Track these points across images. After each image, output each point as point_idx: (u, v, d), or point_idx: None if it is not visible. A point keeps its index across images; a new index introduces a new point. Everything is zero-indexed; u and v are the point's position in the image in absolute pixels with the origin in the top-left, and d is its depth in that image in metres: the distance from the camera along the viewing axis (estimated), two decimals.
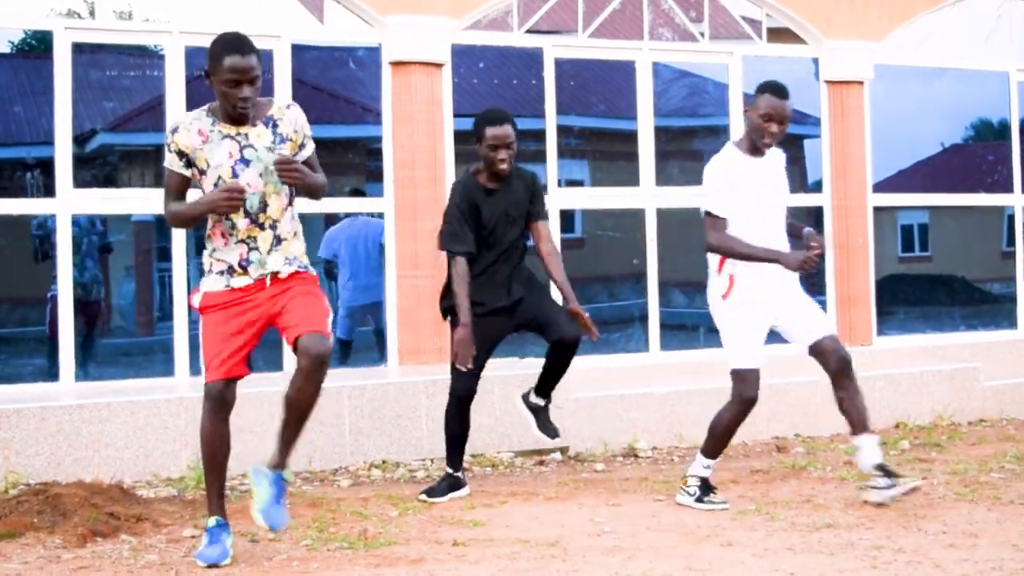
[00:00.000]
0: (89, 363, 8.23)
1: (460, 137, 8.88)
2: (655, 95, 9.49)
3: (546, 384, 6.62)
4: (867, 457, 6.00)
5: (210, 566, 4.90)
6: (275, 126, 5.02)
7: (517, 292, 6.43)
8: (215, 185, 4.93)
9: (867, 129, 10.05)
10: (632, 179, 9.45)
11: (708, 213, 5.92)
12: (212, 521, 5.06)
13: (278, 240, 5.02)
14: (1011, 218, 10.94)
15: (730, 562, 4.92)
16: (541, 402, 6.66)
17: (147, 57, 8.44)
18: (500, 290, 6.41)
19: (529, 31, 9.19)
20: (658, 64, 9.58)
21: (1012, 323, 10.81)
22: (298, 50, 8.44)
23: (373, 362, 8.79)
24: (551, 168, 9.11)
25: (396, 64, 8.64)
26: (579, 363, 8.47)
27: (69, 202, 7.87)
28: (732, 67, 9.77)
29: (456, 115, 8.84)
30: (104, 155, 8.62)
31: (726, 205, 5.91)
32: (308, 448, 7.18)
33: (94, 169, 8.48)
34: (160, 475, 6.87)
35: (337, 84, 8.96)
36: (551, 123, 9.15)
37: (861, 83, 10.04)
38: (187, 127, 4.96)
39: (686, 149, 10.12)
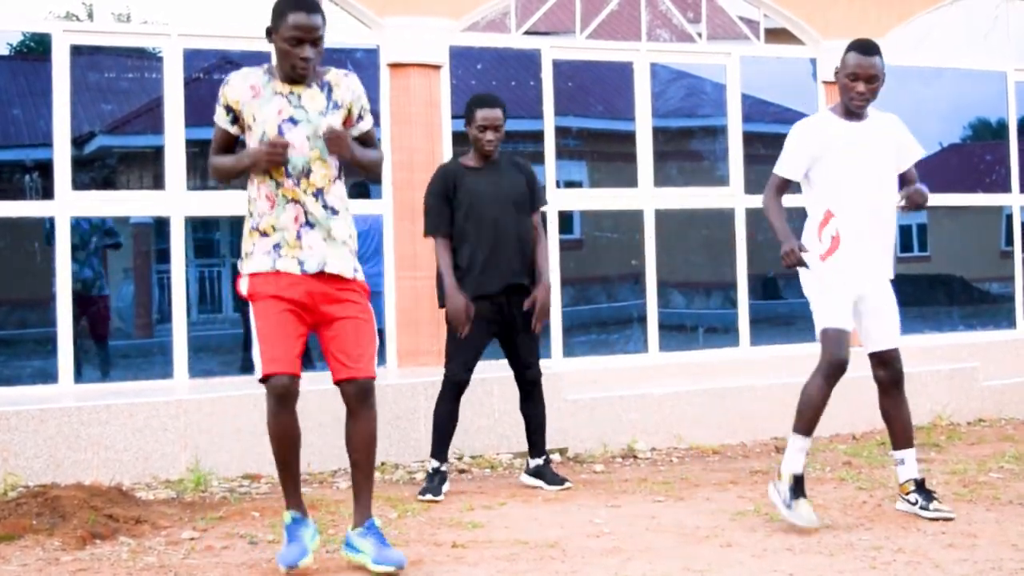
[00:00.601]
0: (89, 365, 8.23)
1: (458, 139, 8.88)
2: (653, 96, 9.50)
3: (533, 442, 6.73)
4: (906, 472, 5.80)
5: (290, 568, 4.72)
6: (330, 91, 4.83)
7: (511, 281, 6.51)
8: (260, 142, 4.74)
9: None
10: (630, 180, 9.45)
11: (774, 172, 5.75)
12: (287, 517, 4.87)
13: (333, 211, 4.80)
14: (1009, 218, 10.95)
15: (729, 563, 4.92)
16: (540, 461, 6.71)
17: (145, 59, 8.45)
18: (492, 277, 6.48)
19: (527, 32, 9.19)
20: (656, 65, 9.59)
21: (1011, 323, 10.82)
22: None
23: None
24: (549, 169, 9.11)
25: (394, 66, 8.65)
26: (578, 364, 8.52)
27: (68, 204, 7.88)
28: (730, 68, 9.77)
29: (454, 117, 8.84)
30: (103, 157, 8.63)
31: (795, 167, 5.67)
32: (306, 450, 7.14)
33: (93, 171, 8.49)
34: (159, 477, 6.87)
35: None
36: (549, 124, 9.16)
37: None
38: (240, 80, 4.81)
39: (684, 150, 10.13)
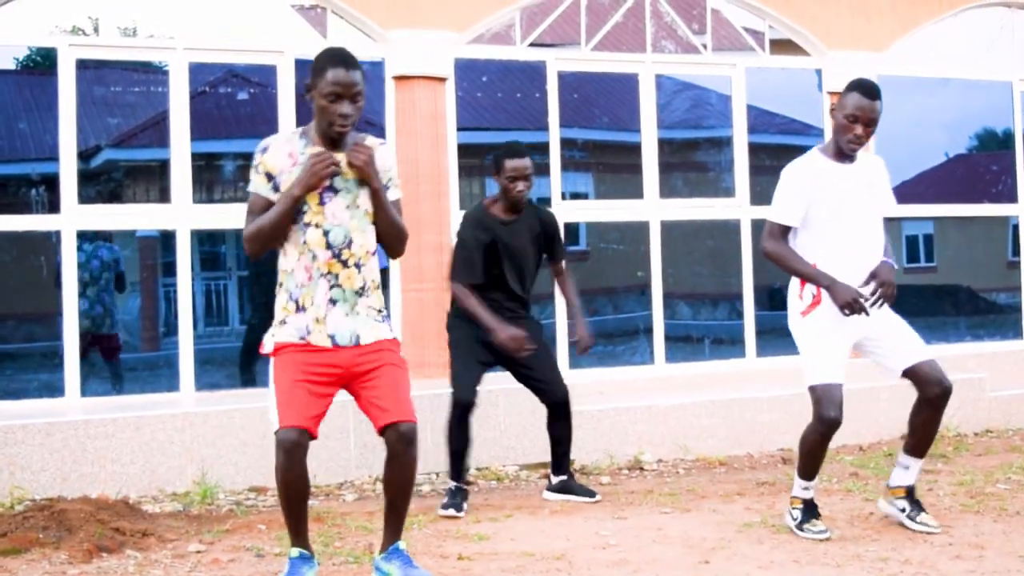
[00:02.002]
0: (95, 379, 8.24)
1: (463, 151, 8.91)
2: (658, 107, 9.51)
3: (557, 460, 6.74)
4: (905, 478, 5.77)
5: None
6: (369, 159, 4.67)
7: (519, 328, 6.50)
8: (300, 213, 4.59)
9: (871, 140, 10.02)
10: (636, 191, 9.45)
11: (770, 219, 5.62)
12: (295, 552, 4.75)
13: (364, 287, 4.70)
14: (1016, 228, 10.94)
15: (736, 574, 4.91)
16: (564, 477, 6.73)
17: (151, 73, 8.47)
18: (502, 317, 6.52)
19: (532, 44, 9.20)
20: (661, 76, 9.60)
21: (1018, 333, 10.80)
22: (302, 65, 8.45)
23: None
24: (555, 181, 9.11)
25: (399, 78, 8.67)
26: (584, 376, 8.51)
27: (74, 218, 7.89)
28: (735, 79, 9.78)
29: (459, 129, 8.86)
30: (109, 171, 8.65)
31: (792, 213, 5.53)
32: (313, 463, 7.14)
33: (99, 185, 8.50)
34: (166, 490, 6.87)
35: None
36: (554, 136, 9.16)
37: None
38: (278, 148, 4.66)
39: (690, 161, 10.13)
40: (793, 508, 5.67)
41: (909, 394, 6.44)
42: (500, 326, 6.34)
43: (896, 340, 5.66)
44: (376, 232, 4.77)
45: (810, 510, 5.62)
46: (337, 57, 4.58)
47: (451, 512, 6.28)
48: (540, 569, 5.06)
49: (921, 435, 5.76)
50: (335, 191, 4.64)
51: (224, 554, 5.44)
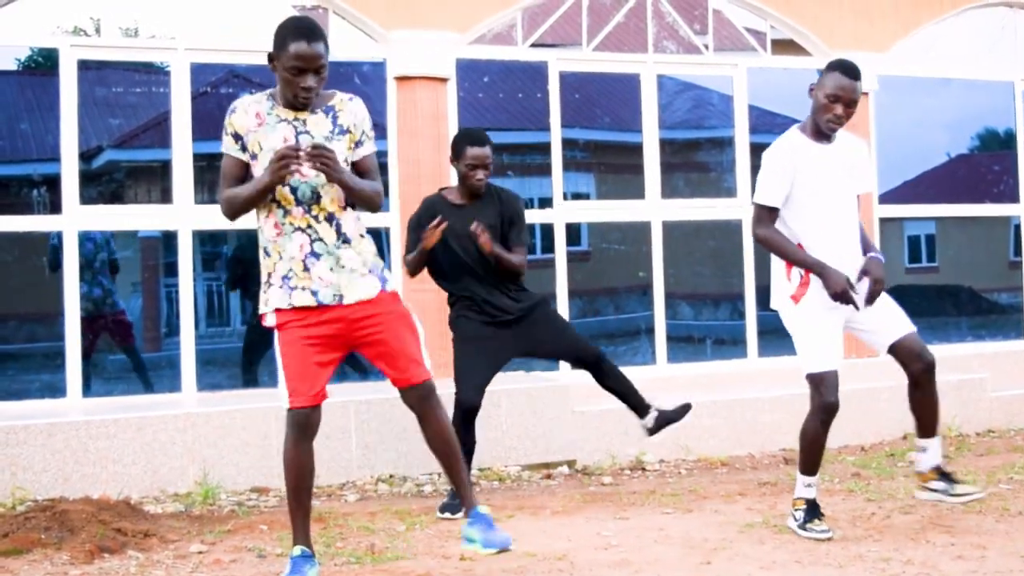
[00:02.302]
0: (97, 379, 8.24)
1: None
2: (660, 107, 9.51)
3: (632, 404, 6.71)
4: (929, 459, 5.81)
5: None
6: (335, 117, 4.76)
7: (509, 313, 6.51)
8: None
9: (872, 140, 10.05)
10: (638, 192, 9.46)
11: (756, 203, 5.58)
12: (297, 551, 4.78)
13: (344, 239, 4.74)
14: (1018, 228, 10.94)
15: (738, 575, 4.91)
16: (653, 415, 6.69)
17: (153, 74, 8.47)
18: (483, 310, 6.52)
19: (534, 45, 9.21)
20: (663, 76, 9.60)
21: (1019, 333, 10.80)
22: None
23: (380, 376, 8.75)
24: (556, 181, 9.12)
25: (401, 79, 8.67)
26: (586, 376, 8.48)
27: (75, 219, 7.90)
28: (737, 79, 9.78)
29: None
30: (110, 172, 8.64)
31: (778, 194, 5.50)
32: (315, 463, 7.17)
33: (100, 186, 8.50)
34: (167, 491, 6.87)
35: None
36: (556, 136, 9.17)
37: (866, 94, 10.04)
38: (245, 108, 4.74)
39: (691, 161, 10.13)
40: (796, 509, 5.65)
41: (906, 394, 6.46)
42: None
43: (881, 318, 5.69)
44: None
45: (812, 510, 5.61)
46: (300, 30, 4.63)
47: (447, 515, 6.24)
48: (542, 569, 5.06)
49: (923, 416, 5.81)
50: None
51: (226, 555, 5.44)
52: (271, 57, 4.67)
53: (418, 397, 4.81)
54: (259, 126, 4.72)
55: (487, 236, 6.31)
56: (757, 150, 9.75)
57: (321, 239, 4.72)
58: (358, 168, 4.84)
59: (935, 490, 5.81)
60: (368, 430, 7.33)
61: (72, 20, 8.20)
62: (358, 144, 4.82)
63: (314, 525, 5.97)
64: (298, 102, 4.68)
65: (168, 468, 6.92)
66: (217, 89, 8.70)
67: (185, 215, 8.16)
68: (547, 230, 9.17)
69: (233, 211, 4.82)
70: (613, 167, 10.13)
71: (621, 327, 9.72)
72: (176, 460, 6.94)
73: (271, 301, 4.76)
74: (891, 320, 5.70)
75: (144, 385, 8.34)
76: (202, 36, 8.30)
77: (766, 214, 5.57)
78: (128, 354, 8.53)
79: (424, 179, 8.55)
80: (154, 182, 8.75)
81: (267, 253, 4.79)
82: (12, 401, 7.72)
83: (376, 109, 8.66)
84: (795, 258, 5.51)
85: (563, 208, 9.11)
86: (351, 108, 4.82)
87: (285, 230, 4.72)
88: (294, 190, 4.67)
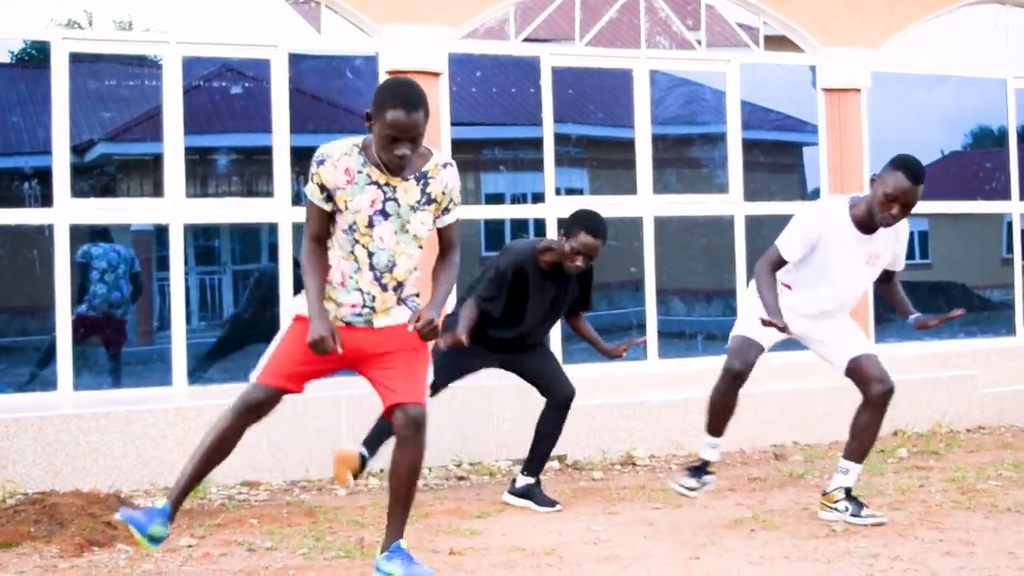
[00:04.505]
0: (87, 373, 8.23)
1: (457, 146, 8.91)
2: (653, 103, 9.51)
3: (535, 459, 6.51)
4: (844, 481, 5.84)
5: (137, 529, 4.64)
6: (426, 184, 4.63)
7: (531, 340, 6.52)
8: (349, 228, 4.57)
9: (865, 137, 10.06)
10: (630, 187, 9.46)
11: (777, 246, 5.61)
12: (162, 504, 4.76)
13: (398, 301, 4.71)
14: (1010, 225, 10.95)
15: (726, 571, 4.92)
16: (532, 480, 6.47)
17: (145, 67, 8.46)
18: (497, 345, 6.48)
19: (526, 40, 9.20)
20: (655, 72, 9.60)
21: (1011, 330, 10.81)
22: (295, 59, 8.46)
23: None
24: (549, 176, 9.12)
25: (393, 73, 8.66)
26: (577, 371, 8.50)
27: (67, 212, 7.89)
28: (730, 75, 9.78)
29: (453, 124, 8.86)
30: (102, 165, 8.63)
31: (796, 254, 5.56)
32: (305, 457, 7.19)
33: (92, 179, 8.49)
34: (158, 484, 6.87)
35: (335, 93, 8.97)
36: (548, 131, 9.16)
37: (859, 91, 10.05)
38: (335, 163, 4.56)
39: (683, 157, 10.14)
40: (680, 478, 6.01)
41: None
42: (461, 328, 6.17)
43: (840, 336, 5.80)
44: None
45: (700, 470, 5.97)
46: (400, 98, 4.42)
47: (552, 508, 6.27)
48: (531, 564, 5.07)
49: (862, 439, 5.83)
50: (386, 215, 4.59)
51: (215, 548, 5.44)
52: (368, 116, 4.50)
53: (407, 416, 4.61)
54: (348, 183, 4.57)
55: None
56: (749, 146, 9.81)
57: (372, 307, 4.67)
58: (441, 235, 4.79)
59: (842, 511, 5.80)
60: (359, 425, 7.30)
61: (65, 13, 8.19)
62: (445, 211, 4.74)
63: (304, 519, 6.00)
64: (391, 167, 4.55)
65: (158, 462, 6.92)
66: (210, 83, 8.69)
67: (177, 209, 8.15)
68: (539, 225, 9.17)
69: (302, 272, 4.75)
70: (605, 162, 10.13)
71: (613, 322, 9.72)
72: (166, 454, 6.94)
73: (300, 309, 4.72)
74: (851, 340, 5.81)
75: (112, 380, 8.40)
76: (195, 29, 8.29)
77: (777, 259, 5.62)
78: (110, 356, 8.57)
79: None
80: (146, 175, 8.74)
81: (329, 286, 4.70)
82: (2, 394, 7.71)
83: (368, 103, 8.63)
84: (764, 294, 5.54)
85: (555, 203, 9.11)
86: (443, 177, 4.69)
87: (349, 285, 4.66)
88: (371, 255, 4.61)
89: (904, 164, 5.39)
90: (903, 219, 5.51)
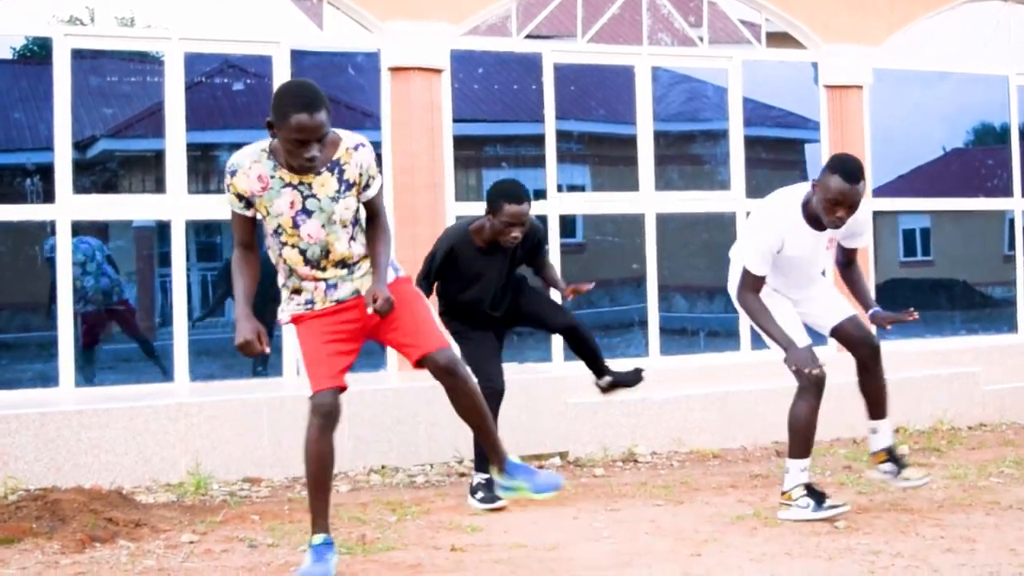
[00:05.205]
0: (89, 368, 8.24)
1: (459, 142, 8.91)
2: (655, 100, 9.51)
3: (593, 366, 6.72)
4: (879, 441, 6.00)
5: None
6: (341, 172, 4.65)
7: (501, 309, 6.52)
8: (276, 232, 4.67)
9: (867, 133, 10.06)
10: (632, 184, 9.46)
11: (745, 268, 5.64)
12: (318, 539, 4.75)
13: (349, 268, 4.78)
14: (1012, 222, 10.94)
15: (728, 567, 4.91)
16: (608, 379, 6.73)
17: (147, 63, 8.46)
18: (483, 316, 6.50)
19: (528, 36, 9.20)
20: (657, 69, 9.60)
21: (1012, 327, 10.81)
22: (297, 56, 8.46)
23: (372, 368, 8.79)
24: (551, 173, 9.11)
25: (395, 70, 8.66)
26: (579, 368, 8.49)
27: (69, 208, 7.89)
28: (731, 71, 9.78)
29: (455, 120, 8.86)
30: (104, 161, 8.64)
31: (765, 267, 5.59)
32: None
33: (94, 175, 8.50)
34: (159, 480, 6.87)
35: (336, 90, 8.96)
36: (550, 128, 9.17)
37: (860, 87, 10.05)
38: (246, 172, 4.61)
39: (685, 154, 10.13)
40: (794, 500, 5.78)
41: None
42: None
43: (824, 302, 5.93)
44: None
45: (813, 493, 5.77)
46: (299, 101, 4.40)
47: (493, 504, 6.21)
48: (533, 561, 5.07)
49: (871, 397, 5.99)
50: (308, 213, 4.65)
51: (217, 544, 5.44)
52: (270, 124, 4.48)
53: (444, 364, 4.76)
54: (263, 190, 4.63)
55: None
56: (751, 143, 9.81)
57: (329, 279, 4.77)
58: (368, 209, 4.85)
59: (885, 472, 6.01)
60: (361, 421, 7.33)
61: (67, 9, 8.18)
62: (366, 187, 4.76)
63: (306, 515, 5.96)
64: (302, 171, 4.59)
65: (160, 458, 6.92)
66: (211, 79, 8.69)
67: (179, 205, 8.15)
68: (541, 222, 9.15)
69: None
70: (607, 159, 10.13)
71: (615, 319, 9.72)
72: (168, 450, 6.94)
73: (291, 309, 4.84)
74: (833, 305, 5.93)
75: (160, 371, 8.39)
76: (196, 26, 8.29)
77: (751, 280, 5.66)
78: (138, 342, 8.61)
79: (417, 170, 8.55)
80: (148, 172, 8.74)
81: (284, 284, 4.85)
82: (4, 391, 7.72)
83: (370, 100, 8.66)
84: (771, 332, 5.62)
85: (557, 200, 9.11)
86: (356, 159, 4.70)
87: (294, 280, 4.80)
88: (303, 251, 4.71)
89: (839, 166, 5.37)
90: (849, 218, 5.47)
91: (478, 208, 9.02)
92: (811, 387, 5.69)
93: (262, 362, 8.58)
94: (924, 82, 10.62)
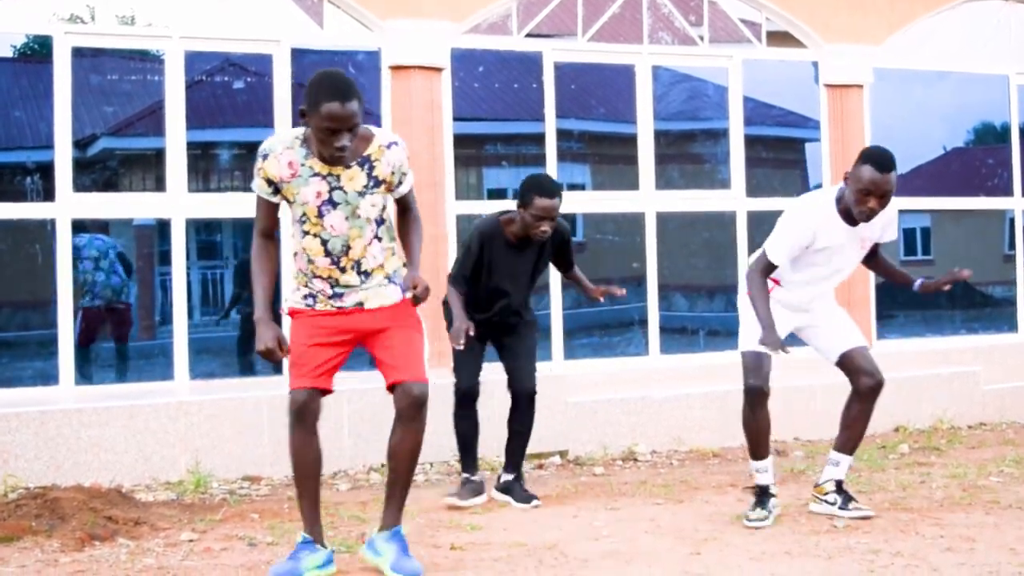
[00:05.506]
0: (88, 367, 8.24)
1: (460, 141, 8.91)
2: (655, 99, 9.51)
3: (509, 455, 6.52)
4: (835, 473, 5.88)
5: None
6: (371, 168, 4.69)
7: (503, 316, 6.49)
8: (300, 220, 4.69)
9: (867, 133, 10.05)
10: (632, 183, 9.45)
11: (765, 252, 5.61)
12: (299, 537, 4.80)
13: (365, 275, 4.78)
14: (1012, 221, 10.94)
15: (727, 566, 4.91)
16: (511, 476, 6.48)
17: (148, 62, 8.46)
18: (489, 320, 6.48)
19: (529, 35, 9.20)
20: (658, 68, 9.60)
21: (1012, 327, 10.81)
22: (298, 54, 8.47)
23: (372, 366, 8.75)
24: (551, 172, 9.10)
25: (396, 68, 8.66)
26: (579, 367, 8.54)
27: (69, 207, 7.89)
28: (732, 71, 9.78)
29: (456, 119, 8.86)
30: (104, 159, 8.63)
31: (786, 258, 5.56)
32: None
33: (94, 173, 8.49)
34: (159, 479, 6.87)
35: None
36: (551, 127, 9.16)
37: (861, 87, 10.05)
38: (277, 156, 4.64)
39: (686, 153, 10.13)
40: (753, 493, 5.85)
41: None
42: (459, 319, 6.20)
43: (833, 328, 5.84)
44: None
45: (760, 495, 5.79)
46: (332, 90, 4.46)
47: (453, 500, 6.26)
48: (532, 559, 5.07)
49: (852, 431, 5.87)
50: (334, 204, 4.67)
51: (216, 543, 5.44)
52: (303, 112, 4.53)
53: (414, 397, 4.75)
54: (293, 176, 4.66)
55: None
56: (752, 142, 9.82)
57: (340, 284, 4.78)
58: (398, 204, 4.89)
59: (831, 503, 5.85)
60: (361, 419, 7.33)
61: (67, 7, 8.18)
62: (399, 184, 4.81)
63: None
64: (333, 160, 4.60)
65: (160, 456, 6.92)
66: (212, 77, 8.69)
67: (179, 203, 8.15)
68: None
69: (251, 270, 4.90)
70: (608, 158, 10.13)
71: (615, 318, 9.72)
72: (168, 448, 6.94)
73: (292, 302, 4.87)
74: (843, 332, 5.84)
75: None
76: (197, 24, 8.29)
77: (766, 264, 5.63)
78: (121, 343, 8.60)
79: (418, 169, 8.51)
80: (148, 170, 8.74)
81: (297, 273, 4.87)
82: (4, 389, 7.71)
83: (371, 98, 8.65)
84: (759, 308, 5.56)
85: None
86: (388, 158, 4.74)
87: (309, 272, 4.79)
88: (324, 242, 4.71)
89: (871, 156, 5.41)
90: (881, 209, 5.47)
91: (478, 207, 9.06)
92: (753, 396, 5.70)
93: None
94: (924, 81, 10.62)
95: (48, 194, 7.95)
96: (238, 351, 8.76)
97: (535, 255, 6.45)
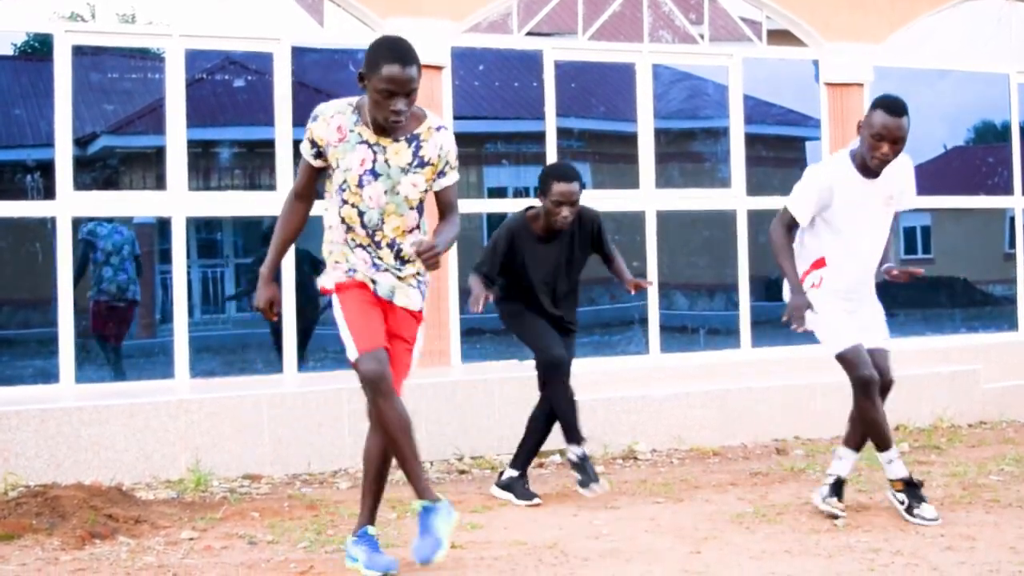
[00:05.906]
0: (89, 365, 8.24)
1: (460, 139, 8.85)
2: (655, 97, 9.50)
3: (521, 453, 6.56)
4: (839, 468, 5.90)
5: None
6: (418, 147, 4.71)
7: (561, 307, 6.50)
8: (340, 188, 4.70)
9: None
10: (632, 181, 9.45)
11: (787, 207, 5.64)
12: (417, 506, 4.80)
13: (402, 261, 4.80)
14: (1012, 220, 10.94)
15: (727, 565, 4.92)
16: (516, 473, 6.49)
17: (148, 60, 8.46)
18: (542, 309, 6.47)
19: (529, 33, 9.20)
20: (658, 66, 9.59)
21: (1013, 325, 10.81)
22: (298, 52, 8.46)
23: None
24: None
25: None
26: (579, 365, 8.48)
27: (69, 205, 7.89)
28: (732, 69, 9.77)
29: (456, 118, 8.85)
30: (105, 157, 8.64)
31: (807, 213, 5.59)
32: (307, 450, 7.19)
33: (95, 171, 8.50)
34: (159, 477, 6.88)
35: (337, 86, 8.94)
36: (551, 125, 9.16)
37: (861, 85, 10.04)
38: (327, 119, 4.69)
39: (686, 151, 10.13)
40: (897, 491, 5.77)
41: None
42: (477, 287, 6.21)
43: (867, 325, 5.81)
44: None
45: (911, 489, 5.72)
46: (394, 52, 4.48)
47: (594, 489, 6.23)
48: (532, 558, 5.07)
49: (857, 431, 5.89)
50: (375, 175, 4.68)
51: (217, 541, 5.45)
52: (361, 76, 4.54)
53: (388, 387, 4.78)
54: (340, 141, 4.68)
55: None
56: (752, 141, 9.81)
57: (381, 259, 4.79)
58: (439, 198, 4.87)
59: (821, 496, 5.87)
60: (361, 418, 7.27)
61: (69, 5, 8.18)
62: (440, 174, 4.82)
63: (306, 512, 6.01)
64: (387, 125, 4.60)
65: (160, 455, 6.92)
66: (212, 76, 8.70)
67: (179, 202, 8.15)
68: None
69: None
70: (608, 156, 10.13)
71: (615, 316, 9.73)
72: (168, 447, 6.94)
73: (333, 277, 4.85)
74: (874, 332, 5.82)
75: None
76: (197, 22, 8.29)
77: (788, 218, 5.66)
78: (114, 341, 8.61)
79: None
80: (148, 168, 8.74)
81: (330, 252, 4.86)
82: (5, 387, 7.71)
83: None
84: (785, 268, 5.63)
85: None
86: (437, 140, 4.76)
87: (350, 244, 4.79)
88: (361, 214, 4.71)
89: (883, 102, 5.46)
90: (895, 156, 5.48)
91: (478, 206, 9.07)
92: (859, 386, 5.61)
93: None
94: (925, 80, 10.61)
95: (49, 192, 7.95)
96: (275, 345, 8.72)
97: (566, 246, 6.44)
